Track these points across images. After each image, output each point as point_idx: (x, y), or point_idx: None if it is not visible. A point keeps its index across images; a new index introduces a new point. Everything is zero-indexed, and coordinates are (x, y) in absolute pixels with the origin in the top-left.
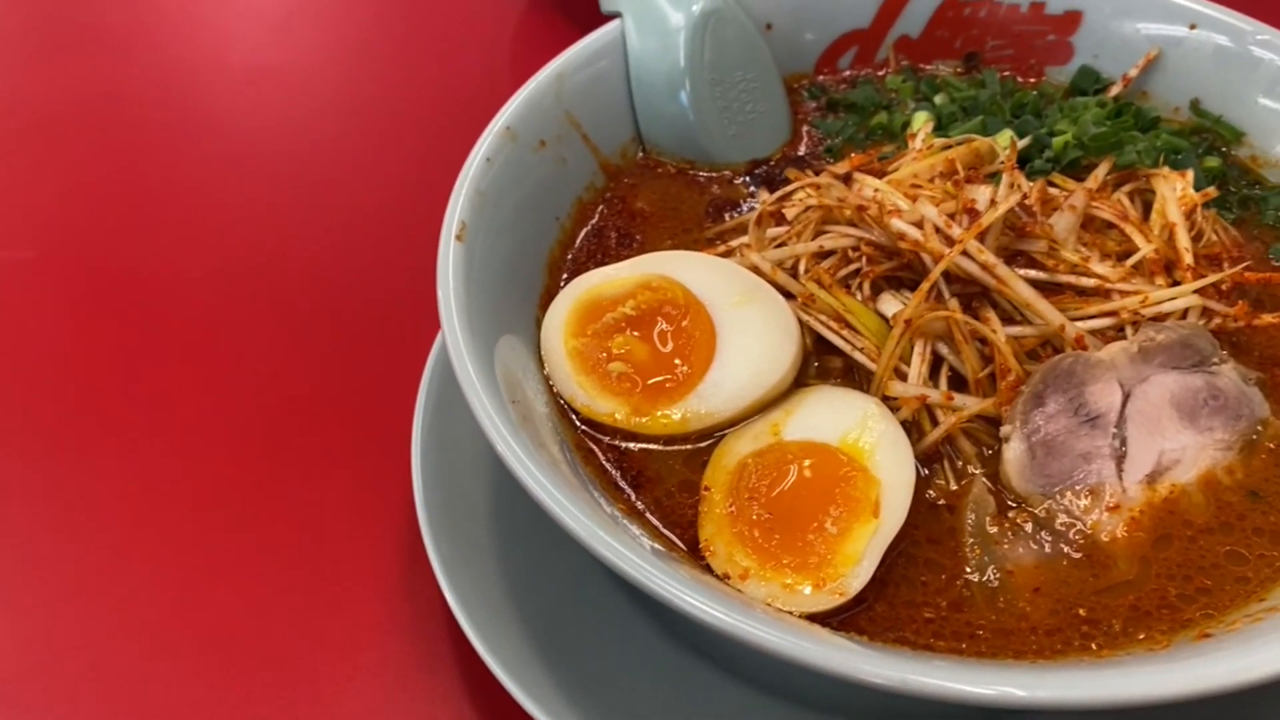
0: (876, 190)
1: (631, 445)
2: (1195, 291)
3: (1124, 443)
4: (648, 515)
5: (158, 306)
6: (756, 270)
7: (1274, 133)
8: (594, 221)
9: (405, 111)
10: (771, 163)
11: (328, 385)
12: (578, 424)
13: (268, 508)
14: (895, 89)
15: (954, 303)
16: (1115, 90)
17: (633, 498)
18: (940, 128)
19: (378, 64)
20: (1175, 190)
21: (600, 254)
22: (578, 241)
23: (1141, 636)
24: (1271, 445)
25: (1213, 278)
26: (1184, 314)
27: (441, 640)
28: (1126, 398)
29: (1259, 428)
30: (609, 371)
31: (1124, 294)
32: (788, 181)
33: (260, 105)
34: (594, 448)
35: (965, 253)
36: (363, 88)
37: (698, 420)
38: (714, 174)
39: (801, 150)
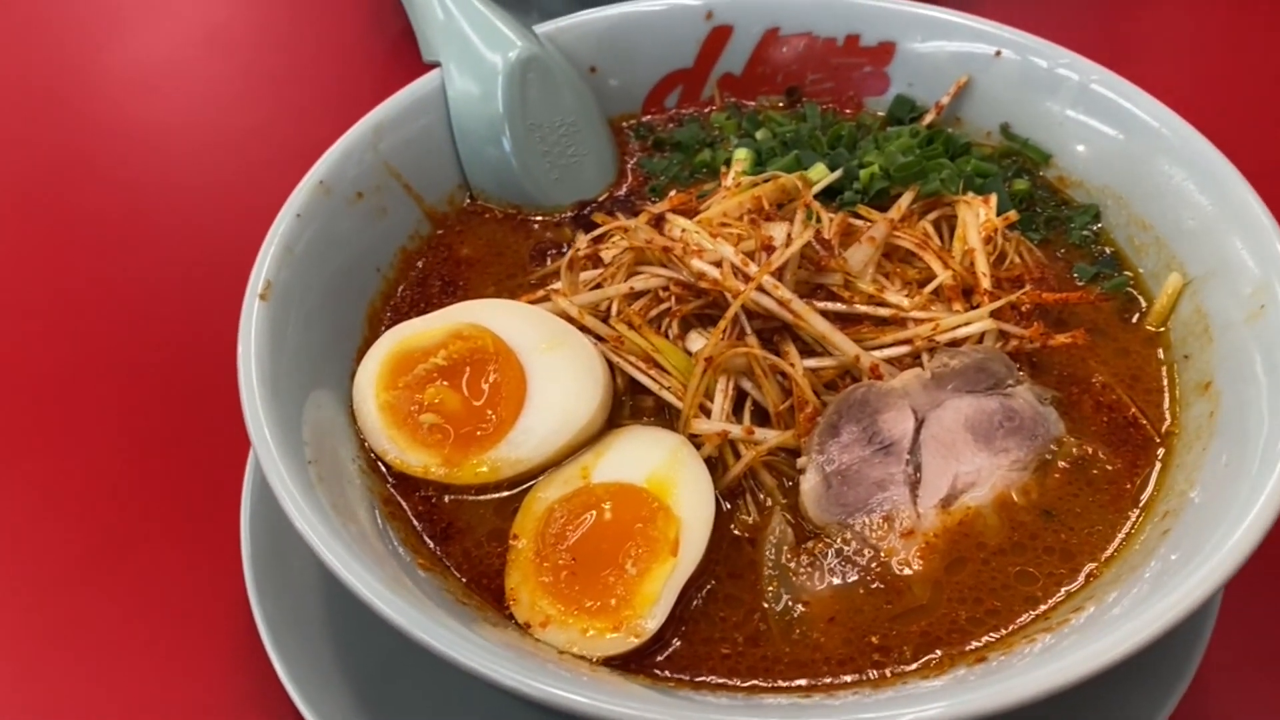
0: (684, 230)
1: (444, 497)
2: (992, 315)
3: (918, 468)
4: (451, 568)
5: None
6: (566, 315)
7: (1078, 154)
8: (417, 270)
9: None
10: (597, 203)
11: (158, 451)
12: (389, 479)
13: (99, 580)
14: (720, 126)
15: (753, 339)
16: (929, 118)
17: (437, 551)
18: (761, 162)
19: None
20: (978, 215)
21: (423, 303)
22: (400, 292)
23: (930, 662)
24: (1065, 464)
25: (1002, 300)
26: (980, 338)
27: (273, 702)
28: (920, 424)
29: (1053, 447)
30: (420, 424)
31: (919, 321)
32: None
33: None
34: (403, 502)
35: (762, 289)
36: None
37: (509, 468)
38: (541, 217)
39: (624, 190)
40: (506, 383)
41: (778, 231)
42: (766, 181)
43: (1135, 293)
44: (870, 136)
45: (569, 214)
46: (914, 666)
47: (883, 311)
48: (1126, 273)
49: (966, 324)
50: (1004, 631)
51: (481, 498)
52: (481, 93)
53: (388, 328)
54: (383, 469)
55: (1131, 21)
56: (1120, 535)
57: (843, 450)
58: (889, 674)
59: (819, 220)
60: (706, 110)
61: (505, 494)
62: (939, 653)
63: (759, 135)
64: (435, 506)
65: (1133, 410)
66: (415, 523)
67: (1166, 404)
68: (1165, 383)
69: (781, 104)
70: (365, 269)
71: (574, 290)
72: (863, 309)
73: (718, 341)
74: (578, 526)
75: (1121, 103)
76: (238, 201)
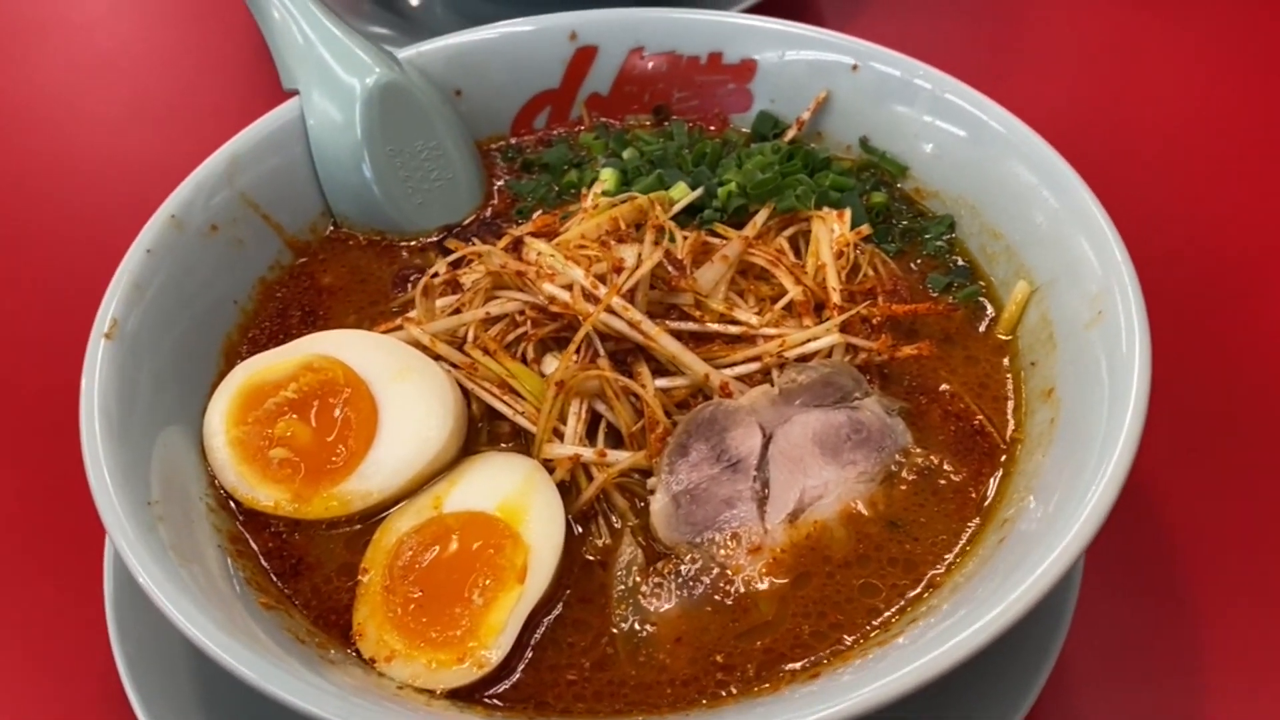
0: (539, 254)
1: (295, 533)
2: (842, 328)
3: (765, 484)
4: (297, 605)
5: None
6: (418, 344)
7: (933, 165)
8: (277, 301)
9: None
10: (462, 227)
11: (18, 490)
12: (239, 516)
13: None
14: (587, 146)
15: (605, 361)
16: (791, 133)
17: (284, 588)
18: (627, 182)
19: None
20: (831, 230)
21: (282, 335)
22: (259, 324)
23: (771, 679)
24: (912, 475)
25: (847, 314)
26: (830, 352)
27: None
28: (769, 440)
29: (900, 458)
30: (271, 459)
31: (768, 338)
32: (485, 243)
33: None
34: (251, 539)
35: (612, 311)
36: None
37: (359, 501)
38: (406, 242)
39: (490, 213)
40: (357, 414)
41: (628, 253)
42: (624, 203)
43: (987, 301)
44: (734, 154)
45: (434, 239)
46: (756, 684)
47: (733, 329)
48: (979, 282)
49: (813, 339)
50: (845, 645)
51: (333, 532)
52: (341, 120)
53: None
54: (233, 506)
55: (1000, 37)
56: (961, 544)
57: (691, 469)
58: (731, 692)
59: (674, 240)
60: (576, 130)
61: (357, 527)
62: (784, 669)
63: (625, 155)
64: (286, 543)
65: (979, 418)
66: (263, 560)
67: (1012, 410)
68: (1011, 390)
69: (649, 122)
70: (221, 302)
71: (430, 317)
72: (714, 328)
73: (568, 365)
74: (427, 557)
75: (972, 111)
76: (97, 238)
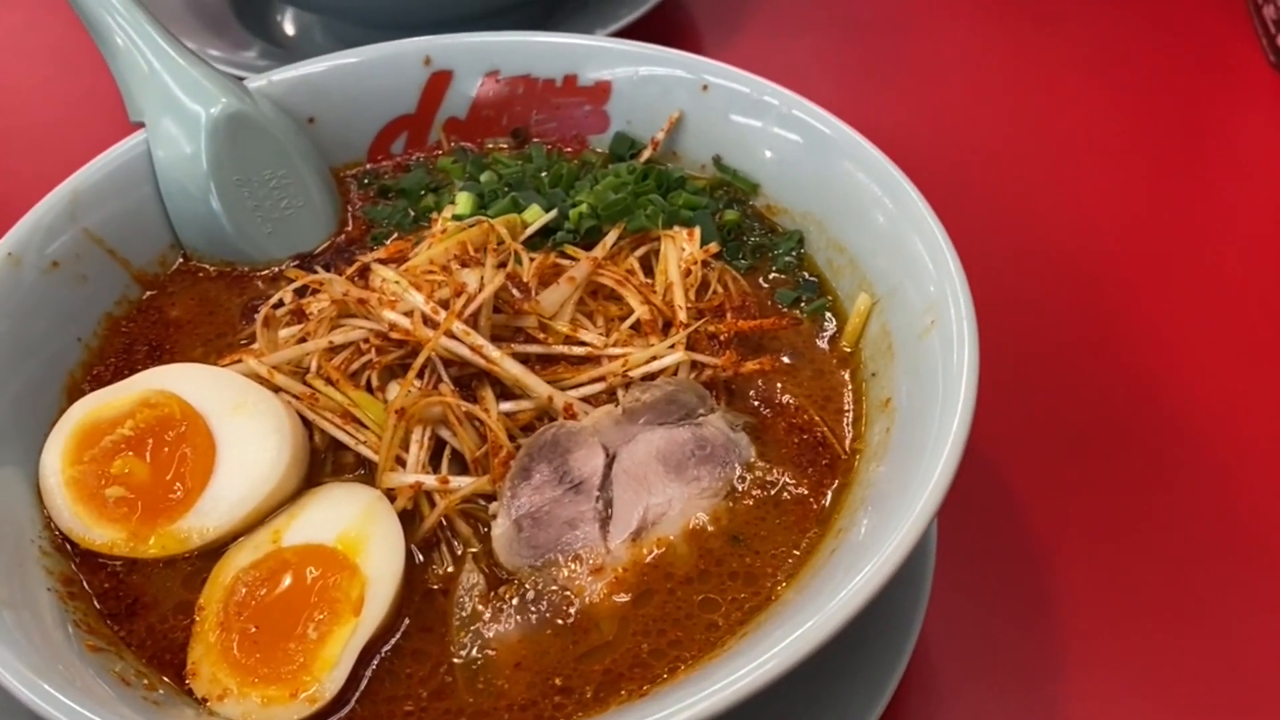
0: (384, 280)
1: (131, 573)
2: (689, 345)
3: (609, 504)
4: (130, 646)
5: None
6: (257, 376)
7: (780, 181)
8: (122, 336)
9: None
10: (314, 255)
11: None
12: (74, 558)
13: None
14: (445, 170)
15: (446, 386)
16: (646, 154)
17: (118, 630)
18: (485, 205)
19: None
20: (680, 249)
21: (127, 370)
22: (104, 360)
23: (609, 700)
24: (756, 489)
25: (689, 329)
26: (676, 370)
27: None
28: (612, 460)
29: (743, 472)
30: (107, 498)
31: (612, 358)
32: (338, 270)
33: None
34: (85, 581)
35: (454, 336)
36: None
37: (198, 536)
38: (258, 272)
39: (344, 240)
40: (194, 450)
41: (470, 278)
42: (472, 227)
43: (833, 315)
44: (590, 175)
45: (287, 267)
46: (595, 707)
47: (578, 350)
48: (827, 296)
49: (657, 357)
50: (684, 662)
51: (170, 570)
52: (188, 150)
53: None
54: (69, 548)
55: (870, 59)
56: (797, 555)
57: (534, 492)
58: (568, 715)
59: (520, 263)
60: (434, 155)
61: (195, 565)
62: (623, 691)
63: (483, 178)
64: (122, 583)
65: (821, 430)
66: (97, 602)
67: (851, 422)
68: (852, 401)
69: (507, 145)
70: (63, 338)
71: (272, 348)
72: (559, 349)
73: (408, 391)
74: (263, 592)
75: (813, 124)
76: None
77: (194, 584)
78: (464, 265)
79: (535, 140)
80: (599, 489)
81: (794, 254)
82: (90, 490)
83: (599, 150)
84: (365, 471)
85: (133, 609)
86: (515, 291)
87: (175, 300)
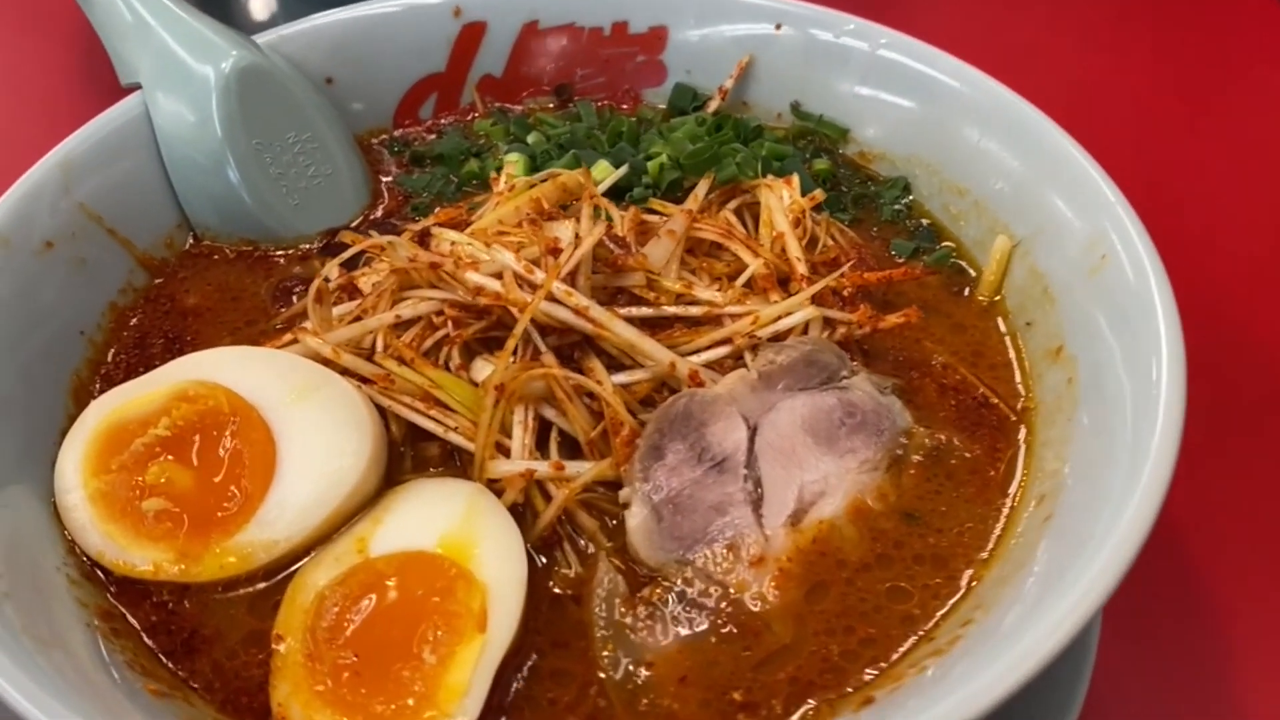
0: (454, 244)
1: (184, 601)
2: (813, 302)
3: (758, 483)
4: (197, 689)
5: None
6: (318, 357)
7: (875, 125)
8: (131, 329)
9: None
10: (349, 229)
11: None
12: (110, 587)
13: None
14: (485, 133)
15: (550, 357)
16: (713, 104)
17: (177, 670)
18: (536, 168)
19: None
20: (782, 199)
21: (142, 367)
22: (112, 357)
23: (808, 714)
24: (919, 458)
25: (821, 283)
26: (805, 329)
27: None
28: (754, 432)
29: (903, 440)
30: (144, 512)
31: (735, 317)
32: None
33: None
34: (128, 614)
35: (553, 298)
36: None
37: (263, 553)
38: (282, 252)
39: (381, 213)
40: (250, 448)
41: (563, 232)
42: (545, 181)
43: (962, 264)
44: (653, 130)
45: (317, 245)
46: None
47: (694, 310)
48: (947, 244)
49: (787, 314)
50: (885, 663)
51: (232, 595)
52: (194, 116)
53: None
54: (101, 576)
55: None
56: (996, 530)
57: (670, 474)
58: None
59: (609, 218)
60: (469, 118)
61: (262, 586)
62: (813, 701)
63: (530, 139)
64: (174, 614)
65: (981, 389)
66: (147, 638)
67: (1019, 378)
68: (1012, 355)
69: (552, 105)
70: (65, 333)
71: (328, 326)
72: (671, 310)
73: (508, 365)
74: (358, 614)
75: (915, 65)
76: None
77: (263, 609)
78: (552, 219)
79: (581, 98)
80: (745, 466)
81: (901, 202)
82: (122, 505)
83: (655, 106)
84: (453, 466)
85: (191, 645)
86: (613, 247)
87: (190, 286)
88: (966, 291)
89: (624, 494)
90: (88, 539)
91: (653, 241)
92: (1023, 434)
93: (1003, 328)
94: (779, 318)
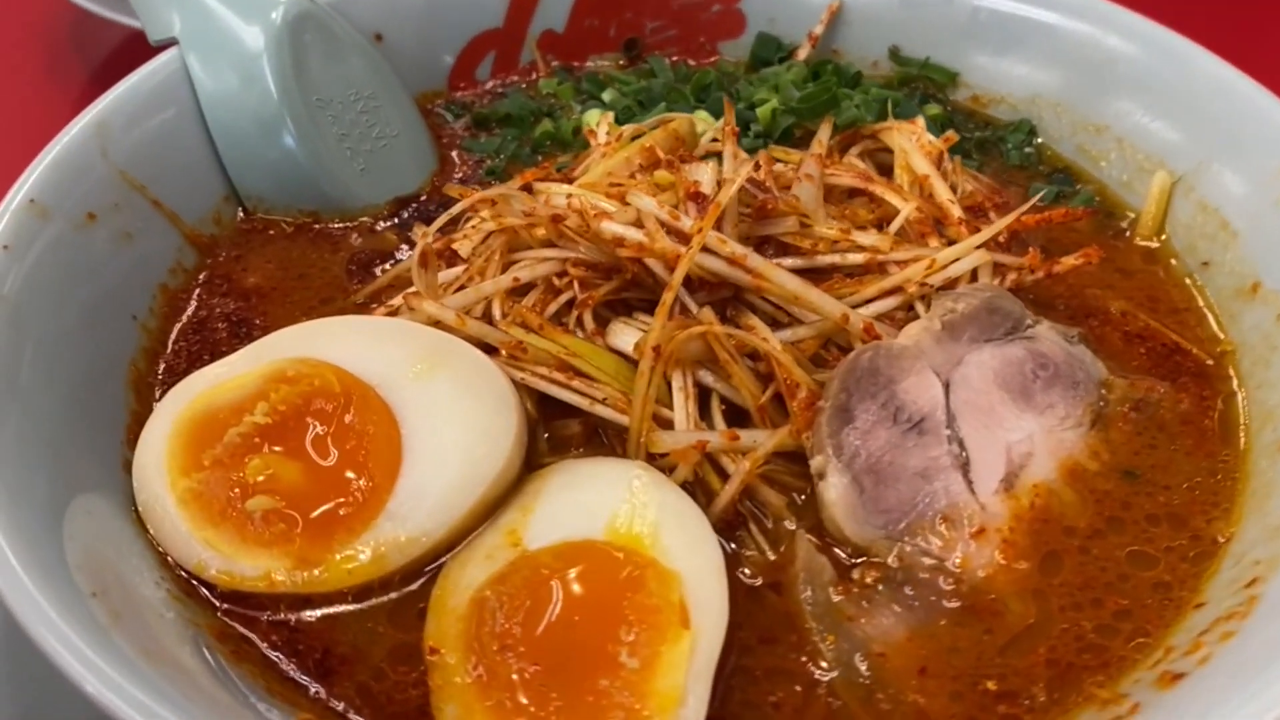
0: (570, 196)
1: (307, 614)
2: (981, 245)
3: (961, 445)
4: (348, 714)
5: None
6: (438, 324)
7: (988, 67)
8: (190, 314)
9: None
10: (423, 198)
11: None
12: (217, 603)
13: None
14: (553, 92)
15: (707, 313)
16: (804, 52)
17: (323, 695)
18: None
19: None
20: (913, 140)
21: (208, 355)
22: (171, 344)
23: (1078, 698)
24: (1125, 410)
25: (1000, 225)
26: (973, 275)
27: None
28: (946, 389)
29: (1103, 391)
30: (249, 513)
31: (902, 264)
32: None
33: None
34: (248, 634)
35: (707, 248)
36: None
37: (398, 553)
38: (348, 224)
39: (459, 176)
40: (369, 432)
41: (702, 174)
42: (653, 129)
43: (1108, 205)
44: (743, 81)
45: (385, 217)
46: (1056, 711)
47: (854, 258)
48: (1087, 185)
49: (959, 258)
50: (1148, 636)
51: (367, 605)
52: (241, 73)
53: (164, 394)
54: (205, 592)
55: None
56: (1229, 483)
57: (865, 438)
58: None
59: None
60: (531, 78)
61: (400, 592)
62: (1087, 685)
63: (606, 96)
64: (298, 631)
65: (1172, 336)
66: (280, 661)
67: (1212, 320)
68: (1197, 297)
69: (622, 62)
70: (117, 319)
71: (433, 296)
72: (828, 259)
73: (664, 324)
74: (529, 617)
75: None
76: None
77: (405, 618)
78: (685, 162)
79: (653, 53)
80: (947, 426)
81: (1029, 145)
82: (221, 507)
83: (734, 59)
84: (604, 442)
85: (326, 665)
86: (755, 192)
87: (247, 265)
88: (1125, 233)
89: (816, 463)
90: (183, 549)
91: (795, 186)
92: (1234, 379)
93: (1175, 268)
94: (952, 262)
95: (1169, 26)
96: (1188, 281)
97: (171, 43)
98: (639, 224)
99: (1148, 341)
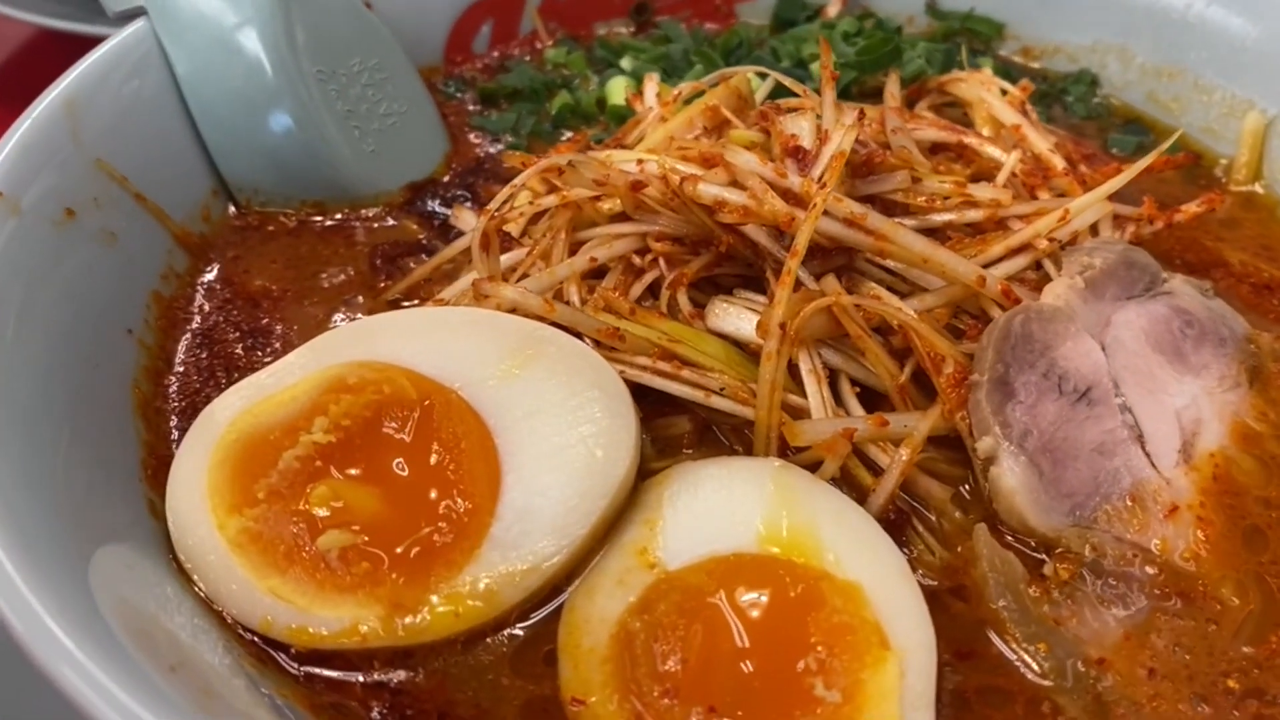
0: (641, 162)
1: (410, 672)
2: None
3: (1133, 414)
4: None
5: None
6: (519, 310)
7: (1039, 14)
8: (196, 325)
9: None
10: (444, 182)
11: None
12: (294, 667)
13: None
14: (563, 63)
15: (831, 281)
16: (834, 9)
17: None
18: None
19: None
20: (992, 91)
21: (226, 370)
22: (178, 361)
23: None
24: (1277, 366)
25: (1123, 176)
26: (1096, 229)
27: None
28: (1104, 352)
29: (1251, 347)
30: (320, 554)
31: (1025, 219)
32: (482, 198)
33: None
34: (343, 702)
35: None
36: None
37: (513, 586)
38: (359, 214)
39: (481, 155)
40: (458, 443)
41: (802, 127)
42: (713, 88)
43: (1191, 154)
44: (773, 43)
45: (400, 203)
46: None
47: (972, 215)
48: (1162, 135)
49: (1086, 209)
50: None
51: (480, 653)
52: (226, 43)
53: (181, 421)
54: (280, 657)
55: None
56: None
57: (1032, 413)
58: None
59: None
60: (536, 48)
61: (519, 631)
62: None
63: (625, 64)
64: (403, 694)
65: None
66: None
67: None
68: None
69: (632, 29)
70: (112, 334)
71: (496, 281)
72: (943, 217)
73: (788, 297)
74: (691, 650)
75: None
76: None
77: (530, 664)
78: (767, 117)
79: (665, 17)
80: (1116, 394)
81: (1095, 96)
82: (286, 548)
83: (751, 21)
84: (723, 441)
85: None
86: (858, 147)
87: (249, 266)
88: (1222, 180)
89: (985, 446)
90: (244, 604)
91: (893, 138)
92: None
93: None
94: (1079, 214)
95: None
96: None
97: (137, 13)
98: (735, 185)
99: (1277, 292)
